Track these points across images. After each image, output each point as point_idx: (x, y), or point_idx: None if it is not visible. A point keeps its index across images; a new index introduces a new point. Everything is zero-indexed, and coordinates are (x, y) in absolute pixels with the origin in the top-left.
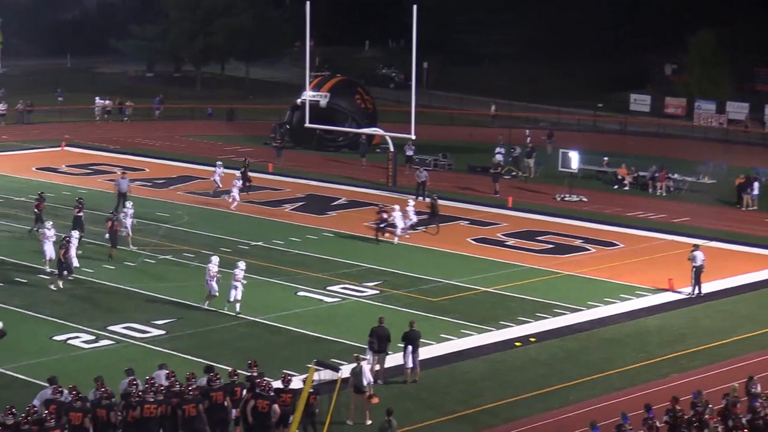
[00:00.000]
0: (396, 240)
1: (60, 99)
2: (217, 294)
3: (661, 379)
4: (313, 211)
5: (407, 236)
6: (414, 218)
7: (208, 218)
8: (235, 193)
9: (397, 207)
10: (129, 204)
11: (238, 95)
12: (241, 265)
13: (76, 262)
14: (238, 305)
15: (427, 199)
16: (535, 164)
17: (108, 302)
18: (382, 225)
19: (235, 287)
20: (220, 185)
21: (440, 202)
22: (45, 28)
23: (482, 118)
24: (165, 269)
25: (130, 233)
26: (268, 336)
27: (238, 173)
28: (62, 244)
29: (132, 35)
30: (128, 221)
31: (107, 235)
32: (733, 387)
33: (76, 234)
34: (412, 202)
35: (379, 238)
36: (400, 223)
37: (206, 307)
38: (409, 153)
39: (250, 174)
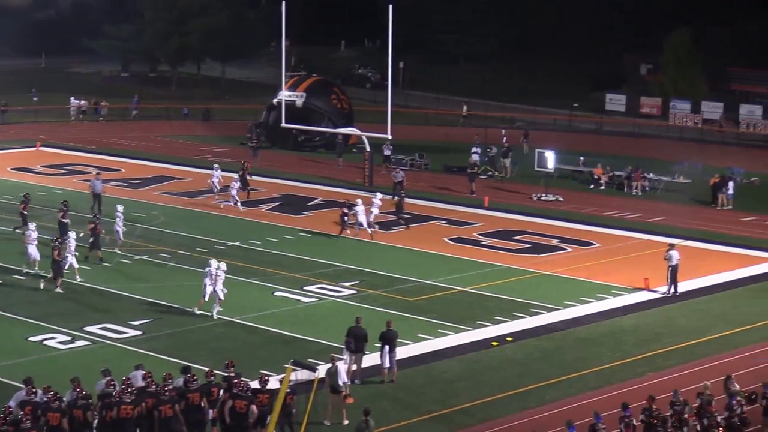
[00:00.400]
0: (368, 234)
1: (35, 99)
2: (222, 298)
3: (637, 378)
4: (289, 211)
5: (370, 231)
6: (376, 211)
7: (184, 218)
8: (234, 193)
9: (359, 201)
10: (120, 208)
11: (213, 95)
12: (221, 265)
13: (74, 263)
14: (215, 310)
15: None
16: (512, 164)
17: (84, 303)
18: (345, 220)
19: (212, 288)
20: (218, 187)
21: (417, 202)
22: (19, 27)
23: (458, 118)
24: (141, 269)
25: (121, 237)
26: (245, 336)
27: (236, 176)
28: (54, 246)
29: (106, 35)
30: (119, 225)
31: (91, 238)
32: (705, 385)
33: (73, 235)
34: (378, 199)
35: (342, 235)
36: (362, 219)
37: (197, 311)
38: (387, 153)
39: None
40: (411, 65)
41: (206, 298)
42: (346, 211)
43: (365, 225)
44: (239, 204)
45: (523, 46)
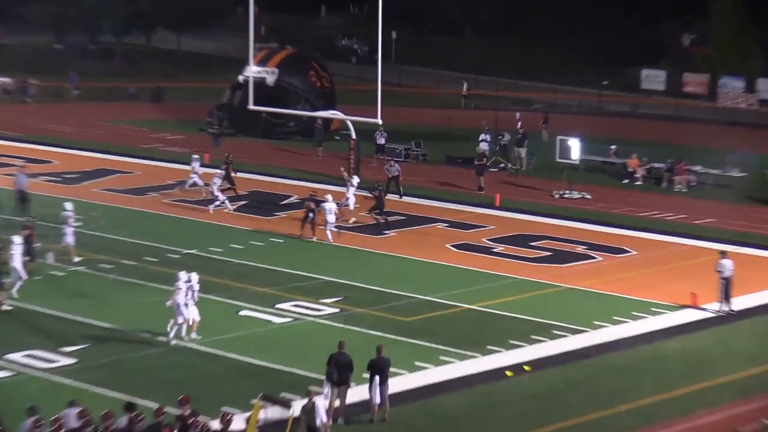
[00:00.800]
0: (330, 239)
1: None
2: (192, 320)
3: (684, 416)
4: (258, 212)
5: (329, 234)
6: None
7: (130, 221)
8: (218, 193)
9: (329, 198)
10: (69, 206)
11: (166, 71)
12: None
13: (23, 273)
14: (184, 328)
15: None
16: (528, 154)
17: (5, 325)
18: (310, 217)
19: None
20: (200, 183)
21: (413, 200)
22: None
23: (459, 99)
24: (76, 283)
25: (72, 242)
26: (203, 365)
27: (218, 171)
28: None
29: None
30: (69, 228)
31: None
32: (764, 424)
33: (18, 239)
34: (351, 194)
35: (304, 237)
36: (330, 218)
37: (172, 337)
38: (381, 141)
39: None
40: (405, 36)
41: (190, 321)
42: (312, 206)
43: (330, 225)
44: (227, 203)
45: (542, 13)
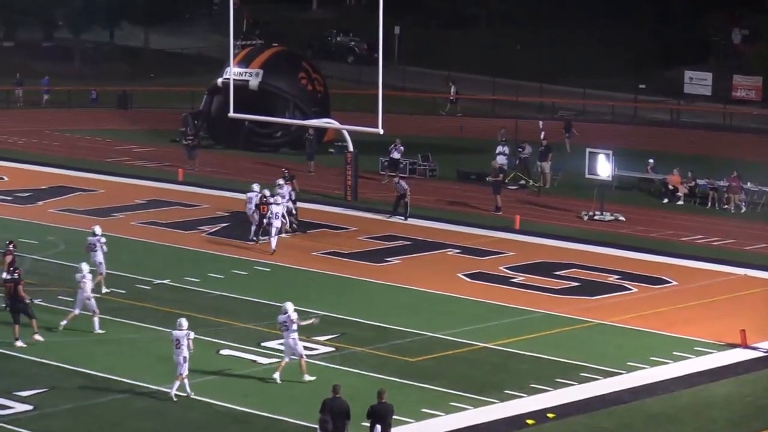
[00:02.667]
0: (273, 246)
1: None
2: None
3: None
4: (240, 236)
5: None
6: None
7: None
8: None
9: (280, 199)
10: (98, 230)
11: (133, 73)
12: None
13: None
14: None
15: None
16: (552, 169)
17: None
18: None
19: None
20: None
21: (420, 223)
22: None
23: (477, 105)
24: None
25: (103, 271)
26: (178, 412)
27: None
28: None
29: None
30: (98, 254)
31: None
32: None
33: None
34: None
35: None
36: (276, 222)
37: (174, 393)
38: (396, 156)
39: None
40: (410, 31)
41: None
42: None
43: (274, 230)
44: (294, 225)
45: (568, 4)
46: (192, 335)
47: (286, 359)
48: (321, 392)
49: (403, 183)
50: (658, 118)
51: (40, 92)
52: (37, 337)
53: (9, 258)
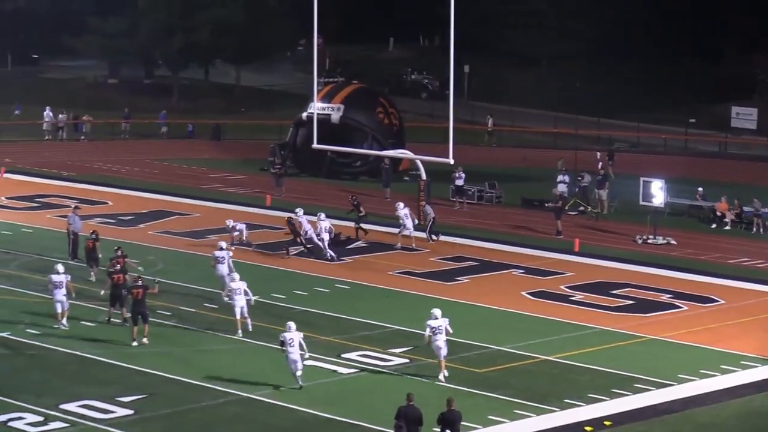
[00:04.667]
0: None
1: (17, 113)
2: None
3: None
4: (322, 257)
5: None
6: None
7: (188, 265)
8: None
9: (322, 215)
10: (224, 244)
11: (226, 108)
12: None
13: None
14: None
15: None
16: (609, 196)
17: (60, 373)
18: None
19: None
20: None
21: (486, 245)
22: None
23: (540, 138)
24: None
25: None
26: (264, 417)
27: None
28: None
29: (91, 30)
30: (225, 267)
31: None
32: None
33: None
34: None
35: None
36: (325, 236)
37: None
38: (459, 183)
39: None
40: (478, 69)
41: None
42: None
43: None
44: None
45: (623, 45)
46: (301, 335)
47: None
48: (396, 400)
49: (428, 208)
50: (707, 150)
51: (158, 124)
52: (145, 341)
53: (120, 263)
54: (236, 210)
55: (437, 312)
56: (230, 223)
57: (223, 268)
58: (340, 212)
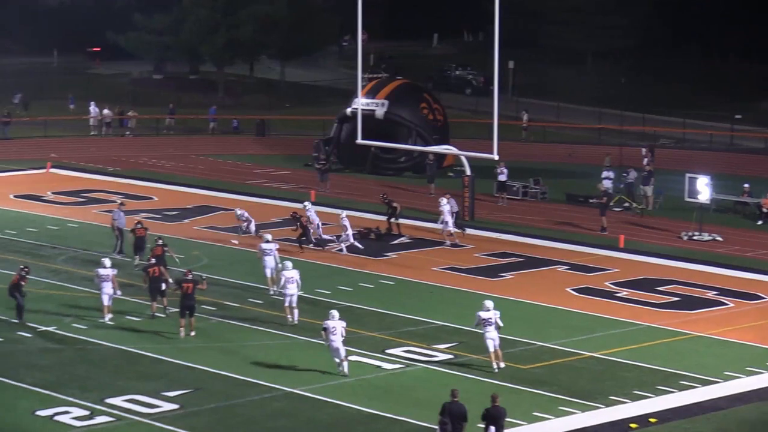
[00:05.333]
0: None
1: (72, 106)
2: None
3: None
4: (366, 252)
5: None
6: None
7: (233, 260)
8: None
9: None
10: (269, 236)
11: (270, 103)
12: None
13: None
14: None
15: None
16: (655, 193)
17: (106, 368)
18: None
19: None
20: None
21: (531, 241)
22: (25, 17)
23: (585, 133)
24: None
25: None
26: (309, 412)
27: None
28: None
29: (136, 27)
30: (272, 259)
31: (146, 285)
32: None
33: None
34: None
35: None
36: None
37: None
38: (502, 178)
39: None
40: (523, 65)
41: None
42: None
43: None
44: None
45: (669, 41)
46: (344, 324)
47: (491, 349)
48: (441, 396)
49: (452, 201)
50: (753, 146)
51: (208, 120)
52: (192, 334)
53: (159, 251)
54: (280, 205)
55: (489, 304)
56: (239, 211)
57: (270, 261)
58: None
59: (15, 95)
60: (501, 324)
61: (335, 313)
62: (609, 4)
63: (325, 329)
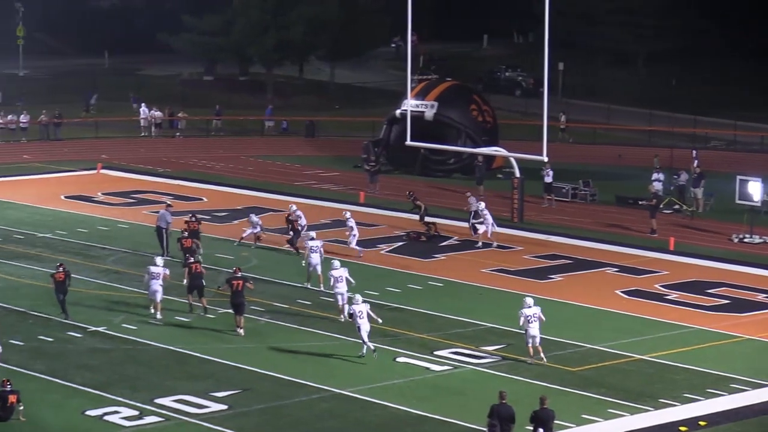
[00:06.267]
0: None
1: (135, 105)
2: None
3: None
4: (416, 254)
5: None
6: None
7: (282, 262)
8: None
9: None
10: (313, 233)
11: (320, 104)
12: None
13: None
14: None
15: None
16: (705, 195)
17: (155, 368)
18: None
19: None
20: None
21: (581, 243)
22: (77, 19)
23: (635, 135)
24: (227, 326)
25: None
26: (358, 413)
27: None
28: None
29: (186, 28)
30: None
31: (186, 281)
32: None
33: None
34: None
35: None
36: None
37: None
38: (548, 180)
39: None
40: (573, 67)
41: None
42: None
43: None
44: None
45: (721, 43)
46: (368, 306)
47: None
48: (489, 398)
49: (472, 199)
50: None
51: (263, 121)
52: (241, 332)
53: (194, 226)
54: (330, 206)
55: (530, 300)
56: (254, 218)
57: (315, 257)
58: (434, 210)
59: (91, 95)
60: (544, 318)
61: (359, 297)
62: (661, 5)
63: (351, 314)
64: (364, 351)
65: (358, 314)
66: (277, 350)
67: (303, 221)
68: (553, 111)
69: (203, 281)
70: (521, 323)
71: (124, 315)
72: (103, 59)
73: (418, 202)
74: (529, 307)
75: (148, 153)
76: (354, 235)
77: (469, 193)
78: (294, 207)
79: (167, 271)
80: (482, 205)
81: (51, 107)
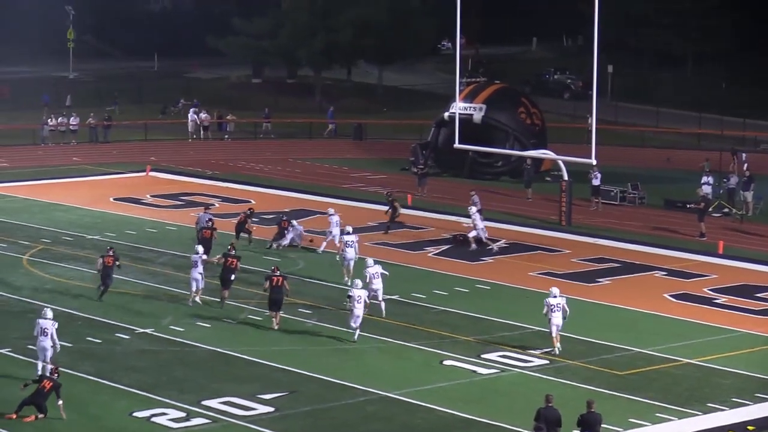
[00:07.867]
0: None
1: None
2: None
3: None
4: (463, 257)
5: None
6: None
7: (328, 264)
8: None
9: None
10: (350, 239)
11: (368, 107)
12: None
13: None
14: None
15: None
16: (755, 198)
17: (202, 369)
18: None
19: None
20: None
21: (629, 247)
22: (126, 22)
23: (684, 138)
24: (275, 329)
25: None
26: (404, 417)
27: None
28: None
29: (235, 31)
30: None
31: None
32: None
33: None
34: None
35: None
36: (335, 231)
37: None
38: (596, 183)
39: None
40: (622, 69)
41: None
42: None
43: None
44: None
45: None
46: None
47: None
48: (535, 402)
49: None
50: None
51: (327, 124)
52: (276, 327)
53: (242, 219)
54: (378, 209)
55: (556, 290)
56: (295, 223)
57: (351, 252)
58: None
59: (178, 100)
60: (568, 309)
61: (359, 282)
62: (709, 6)
63: (350, 297)
64: (356, 337)
65: (356, 298)
66: (323, 353)
67: (334, 226)
68: (601, 114)
69: (233, 276)
70: (545, 311)
71: (172, 317)
72: (152, 62)
73: (396, 204)
74: (555, 297)
75: (196, 155)
76: (332, 235)
77: (473, 192)
78: (332, 210)
79: (205, 257)
80: (474, 209)
81: (100, 110)
